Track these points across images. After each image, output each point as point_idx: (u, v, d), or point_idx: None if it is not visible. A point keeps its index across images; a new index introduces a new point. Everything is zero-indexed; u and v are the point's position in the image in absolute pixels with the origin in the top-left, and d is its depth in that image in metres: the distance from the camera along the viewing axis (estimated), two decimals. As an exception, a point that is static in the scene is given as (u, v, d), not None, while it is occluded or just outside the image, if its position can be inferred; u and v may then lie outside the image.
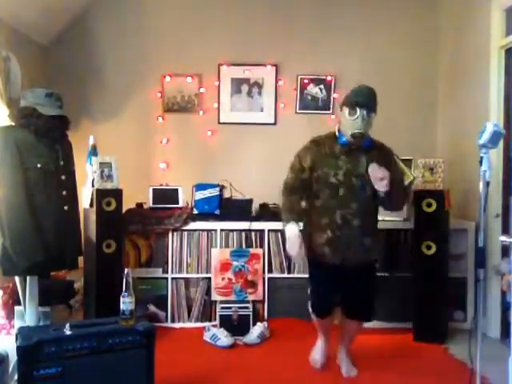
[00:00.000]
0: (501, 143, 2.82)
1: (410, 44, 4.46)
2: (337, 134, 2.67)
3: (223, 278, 3.73)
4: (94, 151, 3.55)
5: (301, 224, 2.62)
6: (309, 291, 2.91)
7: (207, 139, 4.46)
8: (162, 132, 4.43)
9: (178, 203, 3.88)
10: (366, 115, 2.53)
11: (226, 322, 3.51)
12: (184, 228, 3.77)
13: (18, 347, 1.98)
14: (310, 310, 2.88)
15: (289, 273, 3.78)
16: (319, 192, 2.66)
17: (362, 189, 2.59)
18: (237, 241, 3.80)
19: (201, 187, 3.86)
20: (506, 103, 3.49)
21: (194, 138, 4.47)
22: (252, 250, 3.76)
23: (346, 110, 2.58)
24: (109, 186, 3.37)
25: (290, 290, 3.76)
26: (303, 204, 2.70)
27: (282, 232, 2.76)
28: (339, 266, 2.65)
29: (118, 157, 3.51)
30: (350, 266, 2.64)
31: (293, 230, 2.58)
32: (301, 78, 4.44)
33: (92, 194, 3.35)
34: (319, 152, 2.65)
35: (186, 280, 3.78)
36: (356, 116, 2.52)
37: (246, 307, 3.58)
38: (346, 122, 2.58)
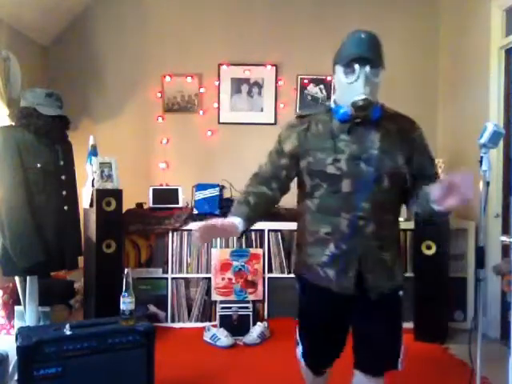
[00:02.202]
0: (501, 143, 2.82)
1: (409, 44, 4.46)
2: (332, 106, 1.82)
3: (223, 278, 3.73)
4: (94, 151, 3.55)
5: (242, 224, 1.73)
6: (297, 333, 2.00)
7: (207, 139, 4.46)
8: (162, 132, 4.43)
9: (178, 203, 3.88)
10: (371, 73, 1.69)
11: (226, 322, 3.51)
12: (184, 228, 3.77)
13: (18, 347, 1.98)
14: (302, 362, 2.01)
15: (289, 273, 3.78)
16: (314, 188, 1.79)
17: (377, 180, 1.71)
18: (237, 241, 3.80)
19: (201, 187, 3.86)
20: (506, 103, 3.49)
21: (194, 138, 4.47)
22: (252, 250, 3.76)
23: (341, 70, 1.73)
24: (109, 186, 3.37)
25: (290, 290, 3.75)
26: (271, 201, 1.87)
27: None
28: (349, 298, 1.78)
29: (118, 157, 3.51)
30: (366, 296, 1.77)
31: (226, 220, 1.73)
32: (301, 78, 4.44)
33: (92, 194, 3.35)
34: (310, 133, 1.80)
35: (186, 280, 3.78)
36: (355, 76, 1.69)
37: (246, 307, 3.58)
38: (343, 88, 1.75)
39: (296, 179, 1.89)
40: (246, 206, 1.79)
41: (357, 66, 1.68)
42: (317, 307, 1.89)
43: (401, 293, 1.88)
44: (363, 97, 1.66)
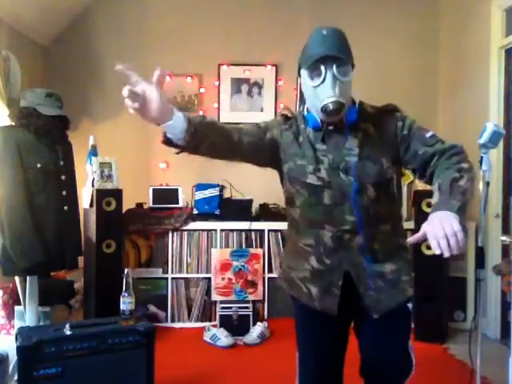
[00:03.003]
0: (501, 143, 2.82)
1: (410, 44, 4.46)
2: (305, 113, 1.65)
3: (223, 278, 3.73)
4: (94, 151, 3.55)
5: (182, 119, 1.41)
6: (297, 357, 1.77)
7: (207, 139, 4.45)
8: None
9: (178, 203, 3.88)
10: (338, 73, 1.50)
11: (226, 322, 3.51)
12: (184, 228, 3.77)
13: (18, 347, 1.98)
14: None
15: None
16: (294, 196, 1.64)
17: (360, 190, 1.55)
18: (237, 241, 3.80)
19: (201, 187, 3.86)
20: (505, 103, 3.49)
21: (194, 137, 4.46)
22: (252, 250, 3.76)
23: (306, 74, 1.55)
24: (109, 186, 3.37)
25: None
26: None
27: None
28: (341, 318, 1.64)
29: (118, 157, 3.51)
30: (365, 316, 1.63)
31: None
32: (301, 78, 4.44)
33: (92, 194, 3.35)
34: (292, 134, 1.64)
35: (186, 280, 3.78)
36: (322, 78, 1.50)
37: (246, 307, 3.58)
38: (310, 93, 1.55)
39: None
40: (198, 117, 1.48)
41: (322, 67, 1.49)
42: (309, 327, 1.72)
43: (410, 305, 1.69)
44: (333, 99, 1.48)
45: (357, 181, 1.54)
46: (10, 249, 2.50)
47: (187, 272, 3.79)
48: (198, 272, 3.79)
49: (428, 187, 3.67)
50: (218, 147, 1.57)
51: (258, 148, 1.62)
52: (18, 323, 2.95)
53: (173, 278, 3.77)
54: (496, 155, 3.40)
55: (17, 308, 3.03)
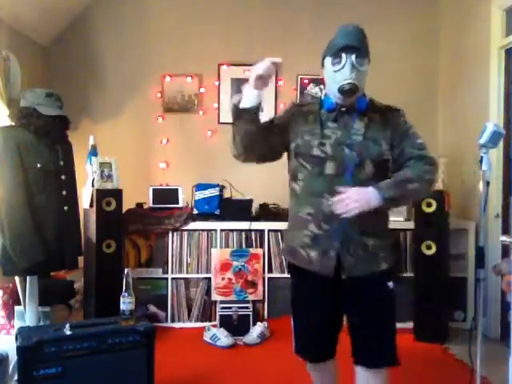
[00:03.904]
0: (501, 143, 2.82)
1: (410, 44, 4.46)
2: (322, 97, 1.93)
3: (223, 278, 3.73)
4: (94, 151, 3.55)
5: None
6: (292, 324, 2.02)
7: (207, 139, 4.46)
8: (162, 132, 4.43)
9: (178, 203, 3.88)
10: (356, 62, 1.76)
11: (226, 322, 3.51)
12: (184, 228, 3.77)
13: (18, 347, 1.98)
14: (299, 355, 2.02)
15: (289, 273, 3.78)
16: (298, 170, 1.88)
17: (360, 165, 1.80)
18: (237, 241, 3.80)
19: (201, 187, 3.86)
20: (506, 103, 3.49)
21: (194, 138, 4.47)
22: (252, 250, 3.76)
23: (329, 60, 1.81)
24: (109, 186, 3.37)
25: (290, 289, 3.76)
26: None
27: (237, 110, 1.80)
28: (334, 280, 1.83)
29: (118, 157, 3.52)
30: (350, 280, 1.83)
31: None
32: (301, 78, 4.44)
33: (92, 194, 3.35)
34: (301, 116, 1.91)
35: (186, 280, 3.78)
36: (342, 64, 1.76)
37: (246, 307, 3.58)
38: (331, 77, 1.82)
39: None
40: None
41: (343, 55, 1.76)
42: (306, 290, 1.94)
43: (390, 284, 1.88)
44: (349, 81, 1.75)
45: (358, 156, 1.80)
46: (10, 249, 2.50)
47: (187, 272, 3.79)
48: (197, 272, 3.79)
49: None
50: (257, 131, 1.82)
51: (271, 131, 1.87)
52: (18, 323, 2.95)
53: (173, 278, 3.77)
54: (496, 155, 3.40)
55: (17, 308, 3.03)
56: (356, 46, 1.76)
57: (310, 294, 1.92)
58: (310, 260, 1.84)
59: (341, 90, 1.76)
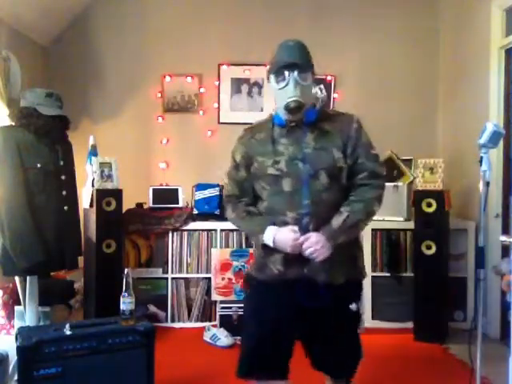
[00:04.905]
0: (501, 143, 2.82)
1: (410, 44, 4.45)
2: (273, 113, 1.95)
3: (223, 278, 3.73)
4: (94, 151, 3.55)
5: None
6: (243, 339, 1.98)
7: (207, 139, 4.46)
8: (162, 132, 4.43)
9: (178, 203, 3.88)
10: (300, 78, 1.79)
11: (226, 322, 3.51)
12: (184, 228, 3.77)
13: (18, 347, 1.98)
14: (242, 373, 1.87)
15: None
16: (260, 192, 1.90)
17: (314, 176, 1.79)
18: (237, 241, 3.81)
19: (201, 187, 3.86)
20: (505, 103, 3.49)
21: (193, 138, 4.47)
22: (252, 250, 3.76)
23: (273, 78, 1.85)
24: (109, 186, 3.37)
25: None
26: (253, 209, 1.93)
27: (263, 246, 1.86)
28: (296, 289, 1.80)
29: (118, 157, 3.52)
30: (310, 292, 1.79)
31: (272, 232, 1.81)
32: (301, 78, 4.44)
33: (92, 194, 3.35)
34: (254, 139, 1.93)
35: (186, 280, 3.79)
36: (286, 82, 1.79)
37: (246, 307, 3.58)
38: (277, 94, 1.85)
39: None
40: (258, 216, 1.91)
41: (286, 72, 1.79)
42: (266, 303, 1.87)
43: (353, 306, 1.86)
44: (294, 98, 1.77)
45: (311, 167, 1.80)
46: (10, 249, 2.50)
47: (187, 272, 3.79)
48: (198, 272, 3.79)
49: (428, 187, 3.68)
50: None
51: (251, 183, 1.94)
52: (18, 323, 2.95)
53: (173, 278, 3.77)
54: (496, 155, 3.40)
55: (17, 308, 3.03)
56: (297, 62, 1.79)
57: (269, 307, 1.85)
58: (280, 273, 1.84)
59: (286, 108, 1.79)
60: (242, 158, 1.94)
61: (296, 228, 1.76)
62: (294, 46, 1.84)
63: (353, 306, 1.85)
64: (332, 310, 1.81)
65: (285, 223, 1.80)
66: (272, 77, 1.85)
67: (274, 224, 1.82)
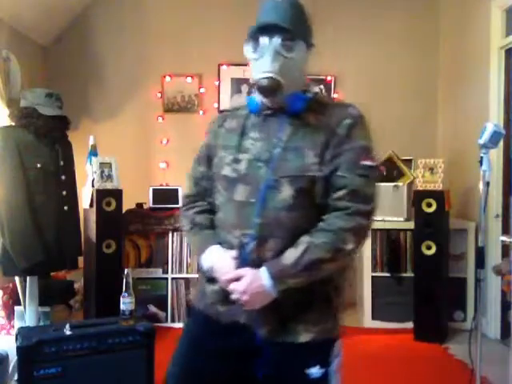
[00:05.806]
0: (501, 143, 2.82)
1: (410, 44, 4.45)
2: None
3: (223, 278, 3.72)
4: (94, 151, 3.55)
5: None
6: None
7: (207, 139, 4.46)
8: (162, 132, 4.43)
9: (178, 203, 3.87)
10: (282, 46, 1.26)
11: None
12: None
13: (17, 347, 1.98)
14: None
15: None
16: (217, 196, 1.39)
17: (274, 186, 1.25)
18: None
19: (201, 187, 3.85)
20: (505, 103, 3.49)
21: (193, 138, 4.44)
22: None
23: (249, 46, 1.35)
24: (109, 186, 3.37)
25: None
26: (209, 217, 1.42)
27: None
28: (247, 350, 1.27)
29: (118, 157, 3.51)
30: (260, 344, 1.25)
31: (213, 256, 1.32)
32: (301, 78, 4.44)
33: (92, 194, 3.35)
34: (223, 128, 1.42)
35: (186, 280, 3.78)
36: (261, 52, 1.29)
37: (246, 307, 3.57)
38: (252, 69, 1.34)
39: None
40: (204, 230, 1.39)
41: (261, 38, 1.28)
42: (200, 345, 1.37)
43: (314, 371, 1.24)
44: (268, 75, 1.24)
45: (273, 174, 1.25)
46: (10, 249, 2.50)
47: (187, 272, 3.79)
48: (198, 272, 3.79)
49: (428, 187, 3.68)
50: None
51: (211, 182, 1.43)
52: (17, 323, 2.96)
53: (173, 278, 3.77)
54: (496, 155, 3.40)
55: (17, 308, 3.04)
56: (281, 24, 1.24)
57: (202, 352, 1.35)
58: (219, 311, 1.33)
59: (257, 87, 1.27)
60: (205, 149, 1.46)
61: (235, 255, 1.25)
62: (282, 4, 1.29)
63: (313, 371, 1.23)
64: (282, 378, 1.26)
65: (230, 245, 1.29)
66: (248, 44, 1.35)
67: (220, 244, 1.32)
